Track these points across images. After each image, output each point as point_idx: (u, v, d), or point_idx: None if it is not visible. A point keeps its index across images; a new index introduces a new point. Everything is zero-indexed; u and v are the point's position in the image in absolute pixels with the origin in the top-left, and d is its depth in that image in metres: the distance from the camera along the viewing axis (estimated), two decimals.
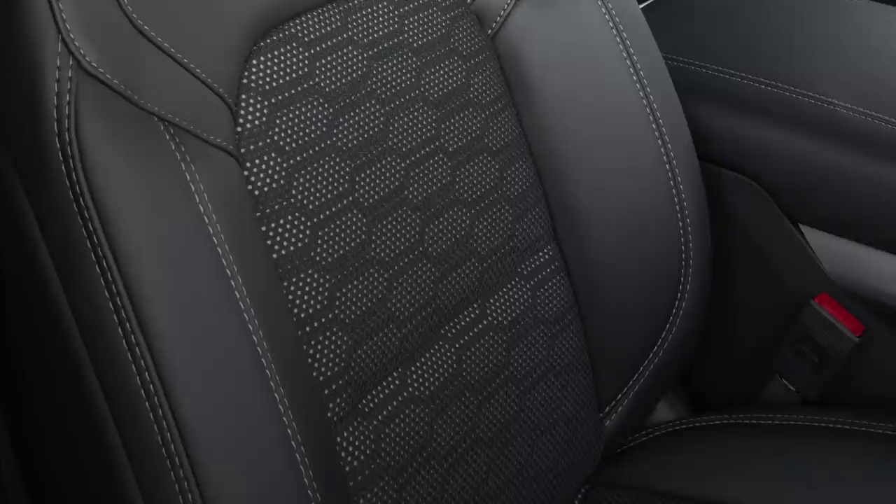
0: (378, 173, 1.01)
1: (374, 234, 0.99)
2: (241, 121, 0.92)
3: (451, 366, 1.05)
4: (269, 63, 0.96)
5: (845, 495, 1.14)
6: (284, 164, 0.94)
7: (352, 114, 1.00)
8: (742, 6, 1.52)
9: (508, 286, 1.11)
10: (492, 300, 1.10)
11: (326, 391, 0.93)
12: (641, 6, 1.36)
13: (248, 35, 0.94)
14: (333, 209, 0.96)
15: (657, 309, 1.22)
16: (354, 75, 1.01)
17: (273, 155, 0.93)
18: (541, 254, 1.14)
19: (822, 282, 1.26)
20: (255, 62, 0.95)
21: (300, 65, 0.98)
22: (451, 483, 1.04)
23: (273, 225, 0.92)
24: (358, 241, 0.98)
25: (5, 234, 0.88)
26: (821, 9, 1.48)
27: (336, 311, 0.95)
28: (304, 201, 0.95)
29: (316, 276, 0.94)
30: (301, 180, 0.95)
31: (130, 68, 0.85)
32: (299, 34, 0.98)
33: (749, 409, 1.30)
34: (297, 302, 0.93)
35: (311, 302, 0.93)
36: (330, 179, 0.97)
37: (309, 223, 0.94)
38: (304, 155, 0.95)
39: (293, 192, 0.94)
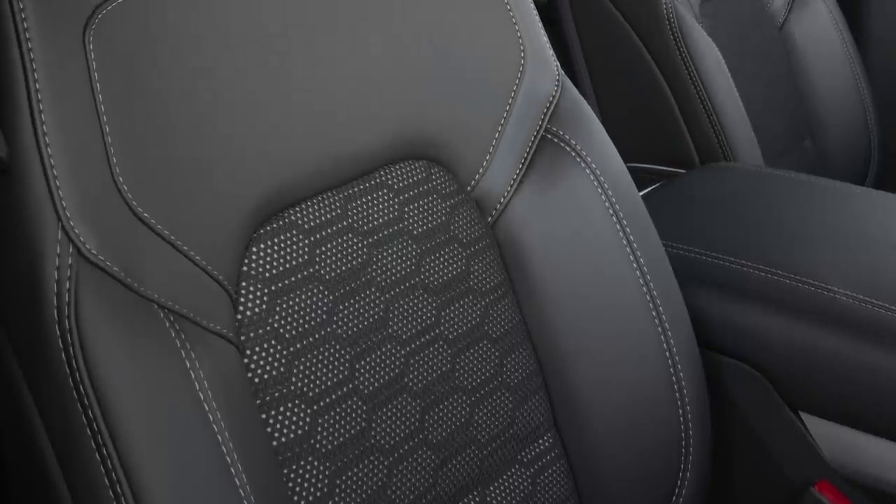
0: (378, 361, 1.02)
1: (373, 422, 1.00)
2: (240, 308, 0.94)
3: None
4: (269, 250, 0.98)
5: None
6: (284, 352, 0.96)
7: (352, 301, 1.02)
8: (741, 194, 1.55)
9: (508, 473, 1.12)
10: (492, 487, 1.10)
11: None
12: (641, 194, 1.39)
13: (248, 222, 0.97)
14: (333, 396, 0.98)
15: (657, 499, 1.22)
16: (354, 262, 1.03)
17: (273, 342, 0.95)
18: (541, 441, 1.15)
19: (822, 469, 1.27)
20: (255, 249, 0.97)
21: (300, 252, 1.00)
22: None
23: (273, 412, 0.94)
24: (358, 428, 0.99)
25: (5, 419, 0.90)
26: (819, 196, 1.51)
27: (336, 499, 0.96)
28: (304, 388, 0.96)
29: (316, 463, 0.95)
30: (301, 367, 0.96)
31: (130, 255, 0.88)
32: (299, 221, 1.01)
33: None
34: (298, 489, 0.94)
35: (312, 489, 0.94)
36: (330, 367, 0.99)
37: (309, 410, 0.96)
38: (304, 342, 0.97)
39: (293, 379, 0.96)
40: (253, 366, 0.94)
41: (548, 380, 1.17)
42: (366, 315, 1.03)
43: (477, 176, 1.16)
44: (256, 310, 0.95)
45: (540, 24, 1.26)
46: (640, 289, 1.21)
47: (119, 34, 0.92)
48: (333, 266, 1.02)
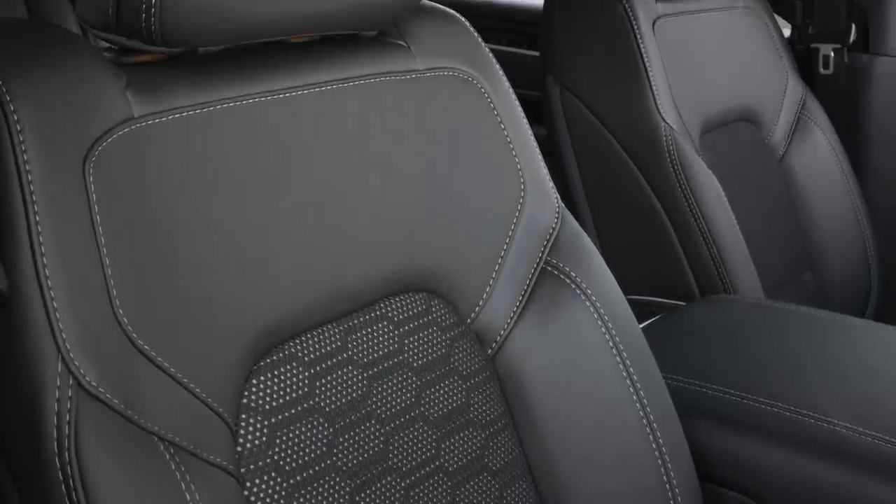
0: (378, 493, 1.03)
1: None
2: (240, 440, 0.95)
3: None
4: (269, 382, 0.99)
5: None
6: (284, 484, 0.96)
7: (352, 433, 1.02)
8: (741, 327, 1.56)
9: None
10: None
11: None
12: (641, 326, 1.40)
13: (248, 355, 0.99)
14: None
15: None
16: (354, 395, 1.04)
17: (273, 475, 0.96)
18: None
19: None
20: (255, 381, 0.98)
21: (300, 384, 1.01)
22: None
23: None
24: None
25: None
26: (819, 329, 1.52)
27: None
28: None
29: None
30: (301, 500, 0.97)
31: (130, 388, 0.89)
32: (299, 354, 1.02)
33: None
34: None
35: None
36: (330, 499, 0.99)
37: None
38: (304, 475, 0.98)
39: None
40: (253, 498, 0.94)
41: None
42: (366, 447, 1.04)
43: (477, 308, 1.18)
44: (256, 442, 0.96)
45: (540, 157, 1.28)
46: (640, 421, 1.22)
47: (118, 167, 0.94)
48: (333, 398, 1.03)
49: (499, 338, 1.19)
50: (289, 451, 0.98)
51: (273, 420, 0.98)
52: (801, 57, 2.51)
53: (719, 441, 1.34)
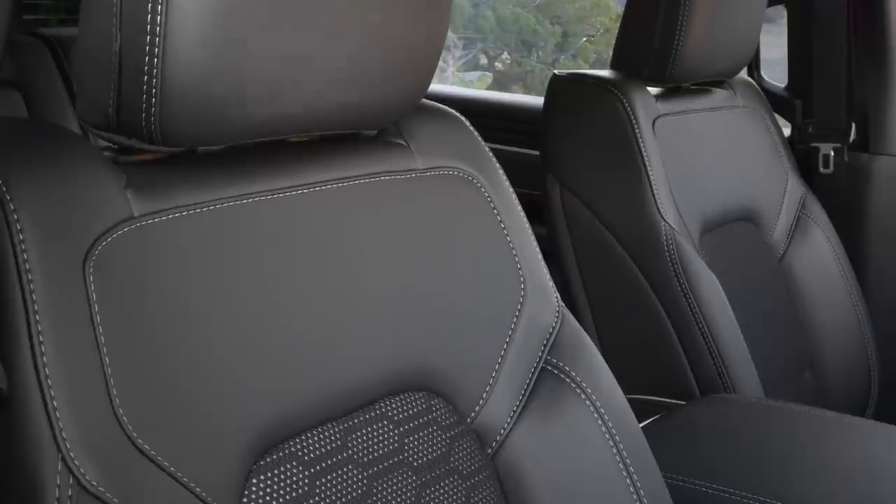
0: None
1: None
2: None
3: None
4: (269, 482, 0.99)
5: None
6: None
7: None
8: (741, 426, 1.57)
9: None
10: None
11: None
12: (642, 425, 1.40)
13: (247, 454, 0.99)
14: None
15: None
16: (354, 494, 1.04)
17: None
18: None
19: None
20: (255, 481, 0.98)
21: (300, 484, 1.01)
22: None
23: None
24: None
25: None
26: (818, 428, 1.53)
27: None
28: None
29: None
30: None
31: (130, 487, 0.90)
32: (299, 453, 1.02)
33: None
34: None
35: None
36: None
37: None
38: None
39: None
40: None
41: None
42: None
43: (477, 407, 1.18)
44: None
45: (540, 256, 1.29)
46: None
47: (118, 266, 0.94)
48: (333, 498, 1.03)
49: (499, 437, 1.19)
50: None
51: None
52: (801, 156, 2.53)
53: None
